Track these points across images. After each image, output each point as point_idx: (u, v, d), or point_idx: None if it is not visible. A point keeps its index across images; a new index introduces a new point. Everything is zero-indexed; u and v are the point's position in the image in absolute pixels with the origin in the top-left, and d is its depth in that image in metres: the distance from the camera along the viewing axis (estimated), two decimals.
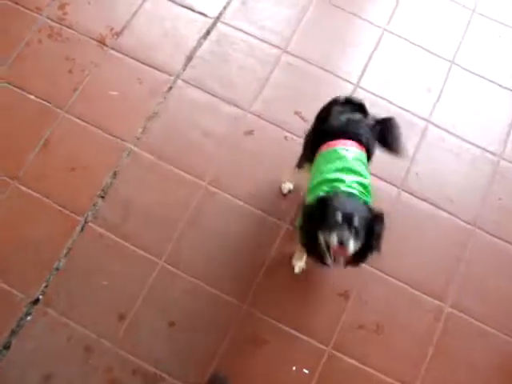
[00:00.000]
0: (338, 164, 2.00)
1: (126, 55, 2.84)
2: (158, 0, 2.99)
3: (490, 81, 2.92)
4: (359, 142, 2.07)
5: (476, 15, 3.07)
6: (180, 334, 2.35)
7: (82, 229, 2.46)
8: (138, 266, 2.42)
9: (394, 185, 2.64)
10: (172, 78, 2.79)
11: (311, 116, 2.69)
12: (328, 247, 1.83)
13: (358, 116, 2.13)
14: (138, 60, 2.83)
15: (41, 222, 2.48)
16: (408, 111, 2.81)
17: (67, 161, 2.59)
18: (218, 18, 2.95)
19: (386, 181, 2.65)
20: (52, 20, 2.89)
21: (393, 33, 2.99)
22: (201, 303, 2.39)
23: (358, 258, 1.92)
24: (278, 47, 2.91)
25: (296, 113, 2.75)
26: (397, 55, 2.95)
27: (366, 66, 2.89)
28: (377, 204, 1.98)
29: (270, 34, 2.93)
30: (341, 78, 2.85)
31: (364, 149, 2.09)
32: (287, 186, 2.58)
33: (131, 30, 2.90)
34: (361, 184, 1.99)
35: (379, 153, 2.62)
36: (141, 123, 2.68)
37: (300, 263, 2.45)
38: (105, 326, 2.33)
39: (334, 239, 1.78)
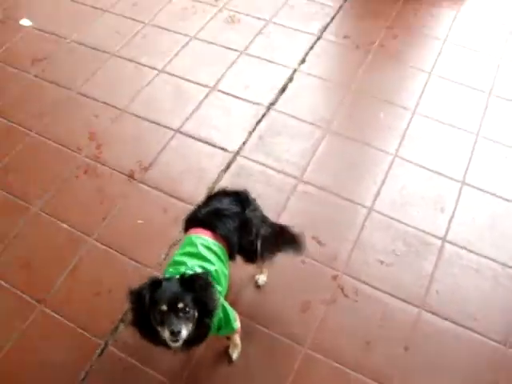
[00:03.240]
0: (188, 249, 2.17)
1: (153, 187, 3.07)
2: (183, 137, 3.30)
3: (501, 197, 2.97)
4: (215, 232, 2.22)
5: (480, 138, 3.23)
6: None
7: (102, 352, 2.48)
8: None
9: (413, 304, 2.60)
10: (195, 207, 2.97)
11: (328, 240, 2.83)
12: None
13: (227, 208, 2.27)
14: (163, 192, 3.05)
15: (62, 344, 2.53)
16: (423, 231, 2.85)
17: (92, 285, 2.70)
18: (237, 153, 3.20)
19: (405, 301, 2.61)
20: (89, 158, 3.22)
21: (403, 158, 3.16)
22: None
23: (199, 332, 1.95)
24: (293, 177, 3.09)
25: (313, 238, 2.83)
26: (408, 178, 3.07)
27: (379, 190, 3.02)
28: None
29: (286, 165, 3.14)
30: (355, 202, 2.97)
31: (221, 240, 2.23)
32: None
33: (158, 165, 3.18)
34: (204, 268, 2.11)
35: (396, 272, 2.69)
36: (164, 250, 2.80)
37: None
38: None
39: (166, 333, 1.85)
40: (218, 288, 2.13)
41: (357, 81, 3.56)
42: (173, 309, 1.85)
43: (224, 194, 2.37)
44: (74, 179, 3.13)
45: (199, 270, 2.08)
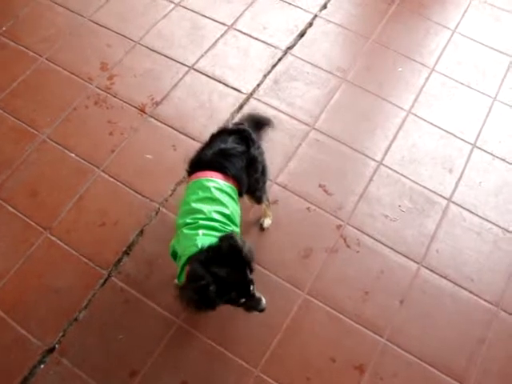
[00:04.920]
0: (201, 194, 2.15)
1: (163, 123, 3.04)
2: (197, 75, 3.24)
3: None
4: (225, 173, 2.20)
5: (497, 103, 3.20)
6: None
7: (105, 282, 2.53)
8: (155, 323, 2.44)
9: (413, 260, 2.65)
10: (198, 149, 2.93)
11: (335, 190, 2.84)
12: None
13: (232, 147, 2.24)
14: (173, 128, 3.03)
15: (66, 272, 2.56)
16: (429, 190, 2.86)
17: (98, 216, 2.72)
18: (251, 94, 3.16)
19: (405, 256, 2.66)
20: (100, 89, 3.17)
21: (417, 115, 3.13)
22: (215, 365, 2.37)
23: None
24: (306, 124, 3.07)
25: (320, 186, 2.85)
26: (420, 136, 3.06)
27: (390, 145, 3.01)
28: None
29: (300, 111, 3.11)
30: (365, 155, 2.96)
31: (232, 180, 2.22)
32: None
33: (170, 101, 3.13)
34: (221, 213, 2.12)
35: (399, 227, 2.72)
36: (171, 186, 2.81)
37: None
38: (115, 381, 2.32)
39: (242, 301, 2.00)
40: (236, 229, 2.17)
41: (377, 32, 3.47)
42: (249, 296, 1.99)
43: (227, 132, 2.31)
44: (83, 109, 3.09)
45: (216, 216, 2.09)
